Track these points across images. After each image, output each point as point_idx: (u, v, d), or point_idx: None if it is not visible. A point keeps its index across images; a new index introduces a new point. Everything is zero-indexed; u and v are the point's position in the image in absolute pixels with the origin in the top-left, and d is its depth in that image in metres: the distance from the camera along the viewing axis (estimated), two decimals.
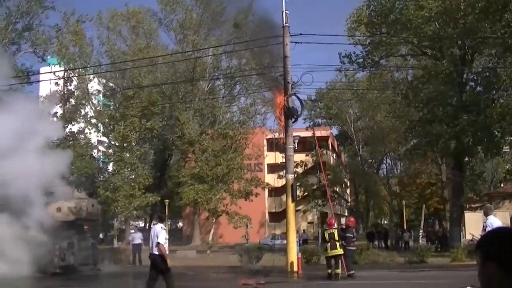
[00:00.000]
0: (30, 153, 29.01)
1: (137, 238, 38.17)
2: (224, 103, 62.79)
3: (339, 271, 24.00)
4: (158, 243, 16.32)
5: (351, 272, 24.50)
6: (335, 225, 26.26)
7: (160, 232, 16.49)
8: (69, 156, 34.22)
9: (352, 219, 28.93)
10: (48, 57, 62.43)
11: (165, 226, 17.24)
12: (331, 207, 34.69)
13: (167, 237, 16.81)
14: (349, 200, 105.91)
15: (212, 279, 29.01)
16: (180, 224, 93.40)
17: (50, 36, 57.95)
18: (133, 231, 42.05)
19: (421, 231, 66.05)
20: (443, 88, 42.52)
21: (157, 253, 16.49)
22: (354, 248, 26.27)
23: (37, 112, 32.45)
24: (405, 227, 60.54)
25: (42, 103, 54.94)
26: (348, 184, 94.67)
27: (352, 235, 25.56)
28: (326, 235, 24.56)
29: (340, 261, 24.24)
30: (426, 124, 44.96)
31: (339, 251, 24.17)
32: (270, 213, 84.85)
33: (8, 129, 28.31)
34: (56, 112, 56.21)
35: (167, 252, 16.66)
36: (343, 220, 67.49)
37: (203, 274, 30.99)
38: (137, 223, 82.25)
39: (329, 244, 24.24)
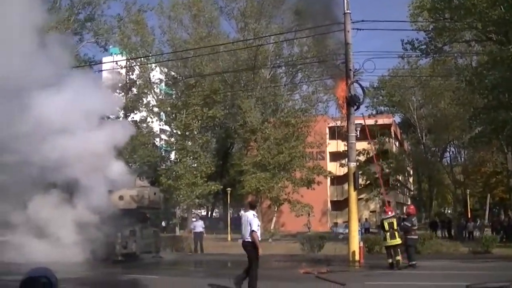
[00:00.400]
0: (86, 130, 29.42)
1: (199, 226, 38.34)
2: (286, 91, 62.50)
3: (399, 258, 23.85)
4: (253, 231, 16.32)
5: (413, 262, 24.18)
6: (393, 213, 26.03)
7: (252, 220, 16.47)
8: (128, 128, 34.42)
9: (412, 206, 28.55)
10: (110, 46, 63.30)
11: (256, 213, 17.19)
12: (385, 195, 34.22)
13: (260, 223, 16.81)
14: (412, 188, 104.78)
15: (274, 267, 28.96)
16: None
17: (112, 26, 58.78)
18: (194, 219, 42.28)
19: (485, 221, 64.94)
20: (509, 74, 41.45)
21: (250, 240, 16.54)
22: (415, 237, 25.82)
23: (93, 87, 32.60)
24: (469, 217, 59.47)
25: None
26: (411, 172, 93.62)
27: (410, 224, 25.08)
28: (386, 224, 24.36)
29: (399, 249, 24.08)
30: (491, 111, 44.03)
31: (398, 241, 24.02)
32: (332, 202, 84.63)
33: (62, 105, 28.68)
34: (120, 102, 56.77)
35: (259, 239, 16.66)
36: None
37: (265, 262, 30.88)
38: (199, 211, 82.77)
39: (388, 233, 24.07)
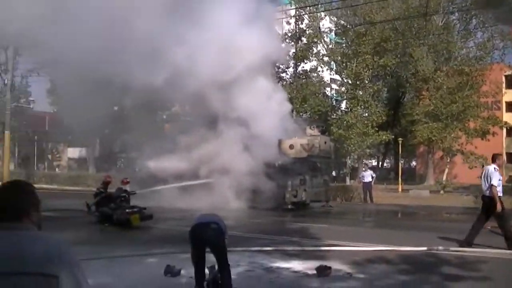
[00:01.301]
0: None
1: (368, 176, 37.96)
2: (460, 38, 60.41)
3: None
4: (491, 185, 15.80)
5: None
6: None
7: (493, 174, 15.92)
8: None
9: None
10: None
11: (498, 167, 16.59)
12: None
13: (501, 178, 16.27)
14: None
15: (445, 220, 28.40)
16: (414, 163, 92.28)
17: None
18: (364, 169, 41.95)
19: None
20: None
21: (489, 195, 16.04)
22: None
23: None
24: None
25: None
26: None
27: None
28: None
29: None
30: None
31: None
32: (508, 154, 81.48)
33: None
34: (289, 51, 57.17)
35: (500, 194, 16.10)
36: None
37: (436, 214, 30.42)
38: (369, 161, 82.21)
39: None
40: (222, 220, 10.56)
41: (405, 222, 28.05)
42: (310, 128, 33.57)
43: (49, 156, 73.98)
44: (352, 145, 54.72)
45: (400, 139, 58.34)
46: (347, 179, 63.82)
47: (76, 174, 57.44)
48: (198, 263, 10.26)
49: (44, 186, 48.17)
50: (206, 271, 10.50)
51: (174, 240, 16.50)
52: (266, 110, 31.32)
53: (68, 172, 63.06)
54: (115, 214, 21.22)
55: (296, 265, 13.47)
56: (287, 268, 13.05)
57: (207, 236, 10.06)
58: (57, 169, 69.72)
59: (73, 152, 79.45)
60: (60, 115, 64.53)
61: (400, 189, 49.31)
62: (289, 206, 29.91)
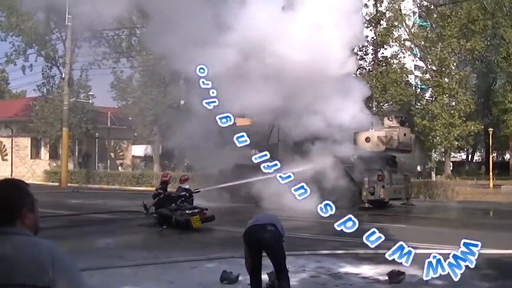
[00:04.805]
0: None
1: None
2: None
3: None
4: None
5: None
6: None
7: None
8: None
9: None
10: None
11: None
12: None
13: None
14: None
15: None
16: (507, 156, 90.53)
17: None
18: None
19: None
20: None
21: None
22: None
23: None
24: None
25: None
26: None
27: None
28: None
29: None
30: None
31: None
32: None
33: None
34: (367, 36, 56.58)
35: None
36: None
37: None
38: (458, 155, 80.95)
39: None
40: (279, 221, 10.38)
41: (494, 221, 27.46)
42: (388, 119, 32.95)
43: (112, 154, 74.45)
44: (437, 137, 53.96)
45: (490, 129, 57.21)
46: (433, 174, 62.86)
47: (139, 173, 57.85)
48: (254, 268, 10.10)
49: (105, 186, 48.66)
50: (264, 277, 10.33)
51: (236, 244, 16.38)
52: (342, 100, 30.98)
53: (132, 171, 63.50)
54: (174, 216, 21.25)
55: (367, 270, 13.26)
56: (357, 274, 12.87)
57: (263, 239, 9.89)
58: (120, 168, 70.09)
59: (138, 150, 80.00)
60: (124, 110, 65.17)
61: (491, 185, 48.32)
62: (366, 205, 29.50)
